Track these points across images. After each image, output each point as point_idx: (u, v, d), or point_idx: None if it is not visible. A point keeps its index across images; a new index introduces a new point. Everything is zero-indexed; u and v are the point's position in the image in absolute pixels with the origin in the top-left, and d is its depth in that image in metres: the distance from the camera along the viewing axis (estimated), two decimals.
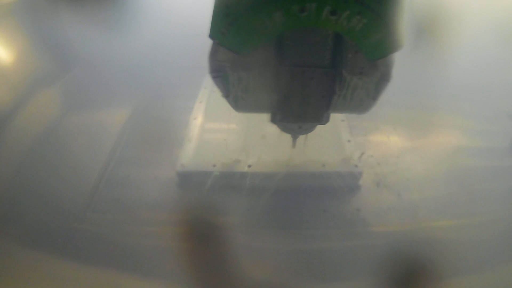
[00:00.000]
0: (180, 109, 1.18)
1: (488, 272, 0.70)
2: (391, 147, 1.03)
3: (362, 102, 0.59)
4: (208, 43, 0.51)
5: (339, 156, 0.93)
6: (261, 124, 1.09)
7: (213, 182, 0.90)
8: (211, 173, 0.89)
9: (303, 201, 0.87)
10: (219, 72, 0.55)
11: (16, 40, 1.03)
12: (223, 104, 1.14)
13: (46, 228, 0.79)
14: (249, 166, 0.89)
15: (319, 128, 1.04)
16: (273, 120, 0.67)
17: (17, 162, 0.91)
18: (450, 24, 1.27)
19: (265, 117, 1.10)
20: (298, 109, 0.62)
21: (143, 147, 1.04)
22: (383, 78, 0.55)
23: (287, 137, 1.02)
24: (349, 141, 0.97)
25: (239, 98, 0.61)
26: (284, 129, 0.76)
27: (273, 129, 1.06)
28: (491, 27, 1.24)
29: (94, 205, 0.87)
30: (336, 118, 1.05)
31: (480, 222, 0.81)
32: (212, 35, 0.49)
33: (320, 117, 0.65)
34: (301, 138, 1.01)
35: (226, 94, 0.61)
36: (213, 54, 0.53)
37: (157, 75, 1.34)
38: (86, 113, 1.11)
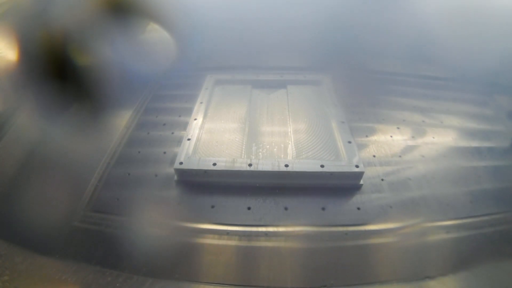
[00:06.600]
0: (181, 110, 1.19)
1: (488, 270, 0.70)
2: (394, 146, 1.03)
3: None
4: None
5: (339, 157, 0.94)
6: (261, 124, 1.10)
7: (213, 181, 0.91)
8: (211, 172, 0.90)
9: (304, 201, 0.87)
10: None
11: (17, 38, 1.03)
12: (224, 105, 1.16)
13: (46, 227, 0.79)
14: (250, 165, 0.90)
15: (320, 130, 1.05)
16: None
17: (17, 162, 0.91)
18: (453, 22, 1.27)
19: (265, 117, 1.11)
20: None
21: (143, 147, 1.05)
22: None
23: (287, 137, 1.03)
24: (349, 142, 0.97)
25: None
26: None
27: (273, 129, 1.08)
28: (490, 26, 1.24)
29: (94, 203, 0.87)
30: (336, 120, 1.06)
31: (480, 222, 0.81)
32: None
33: None
34: (302, 139, 1.02)
35: None
36: None
37: (158, 76, 1.34)
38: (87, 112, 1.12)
